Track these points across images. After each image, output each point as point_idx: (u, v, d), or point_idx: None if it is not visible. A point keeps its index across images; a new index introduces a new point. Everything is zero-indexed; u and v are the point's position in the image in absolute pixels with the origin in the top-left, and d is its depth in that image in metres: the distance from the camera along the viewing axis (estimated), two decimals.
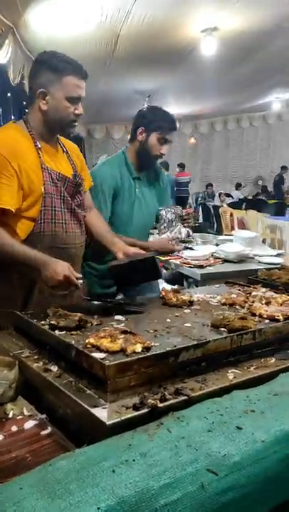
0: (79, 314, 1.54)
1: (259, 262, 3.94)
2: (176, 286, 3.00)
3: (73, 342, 1.38)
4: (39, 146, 1.94)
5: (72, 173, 2.04)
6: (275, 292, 2.01)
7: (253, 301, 1.92)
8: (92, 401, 1.18)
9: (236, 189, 15.20)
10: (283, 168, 15.04)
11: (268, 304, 1.88)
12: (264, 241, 8.90)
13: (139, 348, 1.33)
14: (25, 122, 1.97)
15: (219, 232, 9.76)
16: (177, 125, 2.87)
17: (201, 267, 3.73)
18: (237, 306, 1.88)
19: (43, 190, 1.90)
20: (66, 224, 1.99)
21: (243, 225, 9.78)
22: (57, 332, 1.48)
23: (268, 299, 1.91)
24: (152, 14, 4.99)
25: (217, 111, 14.22)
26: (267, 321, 1.70)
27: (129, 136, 2.83)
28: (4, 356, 1.45)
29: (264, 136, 16.64)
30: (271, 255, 4.16)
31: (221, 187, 15.39)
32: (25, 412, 1.29)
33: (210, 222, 10.84)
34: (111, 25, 5.16)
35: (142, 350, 1.32)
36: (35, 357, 1.47)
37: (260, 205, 12.69)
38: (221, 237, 5.03)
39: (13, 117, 7.39)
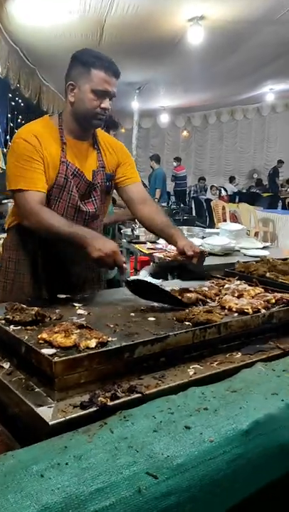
0: (36, 308, 1.48)
1: (245, 255, 3.88)
2: (160, 281, 2.92)
3: (26, 337, 1.32)
4: (64, 140, 1.96)
5: (93, 170, 2.03)
6: (249, 285, 1.95)
7: (225, 294, 1.87)
8: (38, 399, 1.12)
9: (230, 182, 15.13)
10: (279, 161, 14.97)
11: (240, 296, 1.82)
12: (256, 234, 8.88)
13: (93, 343, 1.27)
14: (59, 116, 2.02)
15: (212, 226, 9.70)
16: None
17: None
18: (208, 300, 1.82)
19: (55, 181, 1.93)
20: (66, 218, 1.94)
21: (235, 219, 9.72)
22: (11, 327, 1.41)
23: (240, 291, 1.85)
24: (136, 4, 4.89)
25: (210, 103, 14.10)
26: (236, 314, 1.64)
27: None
28: None
29: (258, 128, 16.55)
30: (257, 248, 4.11)
31: (215, 180, 15.31)
32: None
33: (203, 216, 10.78)
34: (95, 16, 5.06)
35: (97, 346, 1.26)
36: None
37: (254, 199, 12.64)
38: (208, 230, 4.96)
39: None
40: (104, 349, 1.22)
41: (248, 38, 6.48)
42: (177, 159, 14.25)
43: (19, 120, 8.80)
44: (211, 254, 3.91)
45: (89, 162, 2.05)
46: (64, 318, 1.53)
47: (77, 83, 1.89)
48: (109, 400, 1.12)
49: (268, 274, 2.16)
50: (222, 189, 13.05)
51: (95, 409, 1.09)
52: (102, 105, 1.90)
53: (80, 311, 1.62)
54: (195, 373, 1.30)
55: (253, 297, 1.79)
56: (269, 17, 5.64)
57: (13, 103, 8.32)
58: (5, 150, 8.50)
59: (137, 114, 9.95)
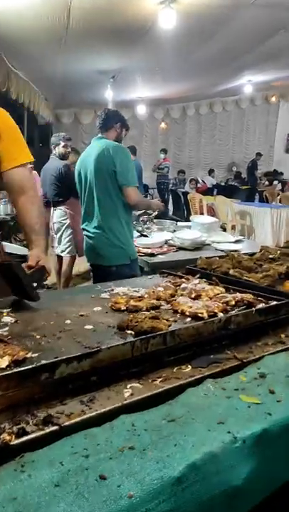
0: None
1: (216, 249, 3.68)
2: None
3: None
4: None
5: None
6: (209, 284, 1.74)
7: (181, 295, 1.65)
8: None
9: (209, 175, 14.94)
10: (257, 154, 14.84)
11: (197, 298, 1.61)
12: (234, 227, 8.71)
13: (5, 362, 1.04)
14: None
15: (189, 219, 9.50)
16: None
17: (152, 255, 3.45)
18: (162, 302, 1.60)
19: None
20: None
21: (212, 212, 9.54)
22: None
23: (198, 292, 1.64)
24: None
25: (189, 95, 13.83)
26: (189, 319, 1.43)
27: (98, 124, 3.16)
28: None
29: (237, 121, 16.35)
30: (229, 242, 3.91)
31: (194, 173, 15.10)
32: None
33: (181, 210, 10.58)
34: None
35: (9, 365, 1.03)
36: None
37: (232, 191, 12.49)
38: (180, 224, 4.74)
39: None
40: (13, 371, 0.99)
41: (224, 23, 6.24)
42: (165, 151, 13.93)
43: None
44: (180, 248, 3.71)
45: None
46: None
47: None
48: (14, 437, 0.90)
49: (231, 271, 1.95)
50: (199, 181, 12.83)
51: None
52: None
53: (5, 319, 1.38)
54: (132, 395, 1.08)
55: (211, 298, 1.58)
56: (244, 1, 5.42)
57: None
58: None
59: (112, 105, 9.65)
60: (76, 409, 1.01)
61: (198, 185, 11.44)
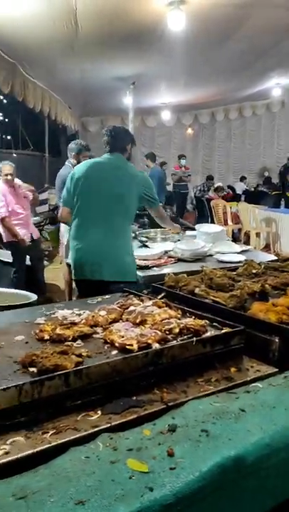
0: None
1: (219, 260, 3.43)
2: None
3: None
4: None
5: None
6: (158, 306, 1.52)
7: (127, 320, 1.45)
8: None
9: (241, 181, 14.54)
10: None
11: (141, 323, 1.40)
12: (258, 235, 8.35)
13: None
14: None
15: None
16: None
17: (146, 267, 3.24)
18: (98, 329, 1.39)
19: None
20: None
21: (237, 219, 9.21)
22: None
23: (144, 316, 1.42)
24: None
25: (217, 99, 13.55)
26: (115, 352, 1.22)
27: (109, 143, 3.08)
28: None
29: (268, 125, 15.87)
30: (235, 252, 3.64)
31: (224, 179, 14.73)
32: None
33: (206, 217, 10.28)
34: (63, 3, 4.66)
35: None
36: None
37: (260, 197, 12.10)
38: (188, 233, 4.49)
39: None
40: None
41: (240, 23, 5.99)
42: (183, 157, 13.53)
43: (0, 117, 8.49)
44: (180, 260, 3.48)
45: None
46: None
47: None
48: None
49: (197, 290, 1.72)
50: (225, 188, 12.45)
51: None
52: None
53: None
54: (6, 453, 0.89)
55: (153, 324, 1.37)
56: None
57: None
58: None
59: (132, 112, 9.51)
60: None
61: (224, 192, 11.09)
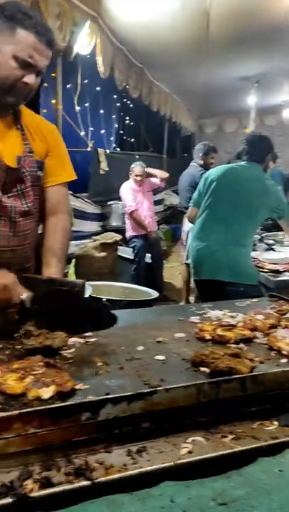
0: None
1: None
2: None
3: None
4: None
5: (18, 156, 1.55)
6: None
7: (285, 327, 1.38)
8: None
9: None
10: None
11: None
12: None
13: (48, 392, 0.93)
14: None
15: None
16: None
17: (277, 272, 3.11)
18: (258, 333, 1.35)
19: None
20: None
21: None
22: None
23: None
24: None
25: None
26: (284, 360, 1.16)
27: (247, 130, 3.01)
28: None
29: None
30: None
31: None
32: None
33: None
34: (199, 5, 4.68)
35: (52, 398, 0.92)
36: None
37: None
38: None
39: (102, 111, 7.30)
40: (46, 407, 0.87)
41: None
42: None
43: (126, 121, 8.78)
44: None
45: (10, 145, 1.55)
46: None
47: None
48: (38, 487, 0.78)
49: None
50: None
51: (11, 501, 0.75)
52: (25, 79, 1.43)
53: (73, 339, 1.28)
54: (190, 452, 0.88)
55: None
56: None
57: (118, 104, 8.28)
58: (118, 149, 8.63)
59: (254, 111, 9.27)
60: (118, 461, 0.85)
61: None
